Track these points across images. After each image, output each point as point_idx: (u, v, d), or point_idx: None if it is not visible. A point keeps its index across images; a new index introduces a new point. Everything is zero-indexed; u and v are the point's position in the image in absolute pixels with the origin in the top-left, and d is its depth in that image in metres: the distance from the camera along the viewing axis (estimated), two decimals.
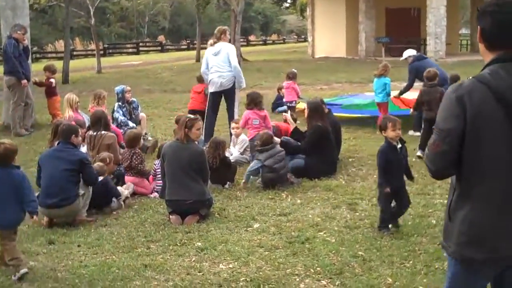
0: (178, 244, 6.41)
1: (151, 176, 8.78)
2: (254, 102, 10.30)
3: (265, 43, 73.68)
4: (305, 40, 73.27)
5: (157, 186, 8.49)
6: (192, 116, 7.71)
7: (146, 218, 7.39)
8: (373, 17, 35.44)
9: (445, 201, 7.50)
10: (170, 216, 7.24)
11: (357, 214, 7.27)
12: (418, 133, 11.54)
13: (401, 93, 12.71)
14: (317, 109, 9.51)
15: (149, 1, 71.68)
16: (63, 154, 7.23)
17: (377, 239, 6.32)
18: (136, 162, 8.63)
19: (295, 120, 10.77)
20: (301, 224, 6.94)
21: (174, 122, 10.84)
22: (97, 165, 7.97)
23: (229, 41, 11.51)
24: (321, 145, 9.20)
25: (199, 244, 6.38)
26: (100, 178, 7.69)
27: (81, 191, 7.24)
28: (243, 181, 8.75)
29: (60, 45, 53.25)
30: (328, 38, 38.84)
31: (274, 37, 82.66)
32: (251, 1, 73.60)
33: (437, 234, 6.37)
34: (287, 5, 70.25)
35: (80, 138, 7.78)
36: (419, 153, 10.29)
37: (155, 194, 8.43)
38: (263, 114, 10.35)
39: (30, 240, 6.68)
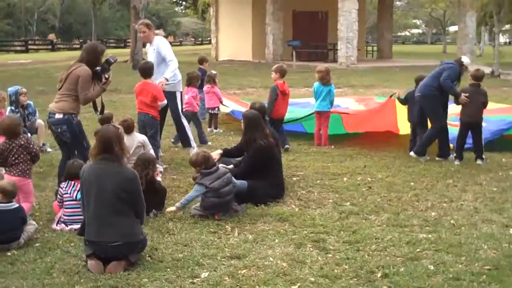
0: None
1: (55, 202, 6.94)
2: None
3: None
4: (202, 43, 72.07)
5: (64, 216, 6.65)
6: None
7: (53, 263, 5.53)
8: (280, 20, 34.03)
9: (430, 236, 6.21)
10: (89, 261, 5.42)
11: (330, 256, 5.70)
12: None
13: None
14: (256, 121, 7.90)
15: None
16: None
17: None
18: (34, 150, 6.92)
19: None
20: (263, 272, 5.30)
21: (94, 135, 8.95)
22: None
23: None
24: (266, 165, 7.64)
25: None
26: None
27: None
28: (176, 207, 7.04)
29: None
30: (233, 40, 37.28)
31: (170, 39, 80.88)
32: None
33: (442, 285, 4.93)
34: (187, 5, 68.52)
35: None
36: (456, 161, 9.50)
37: (62, 226, 6.58)
38: None
39: None
